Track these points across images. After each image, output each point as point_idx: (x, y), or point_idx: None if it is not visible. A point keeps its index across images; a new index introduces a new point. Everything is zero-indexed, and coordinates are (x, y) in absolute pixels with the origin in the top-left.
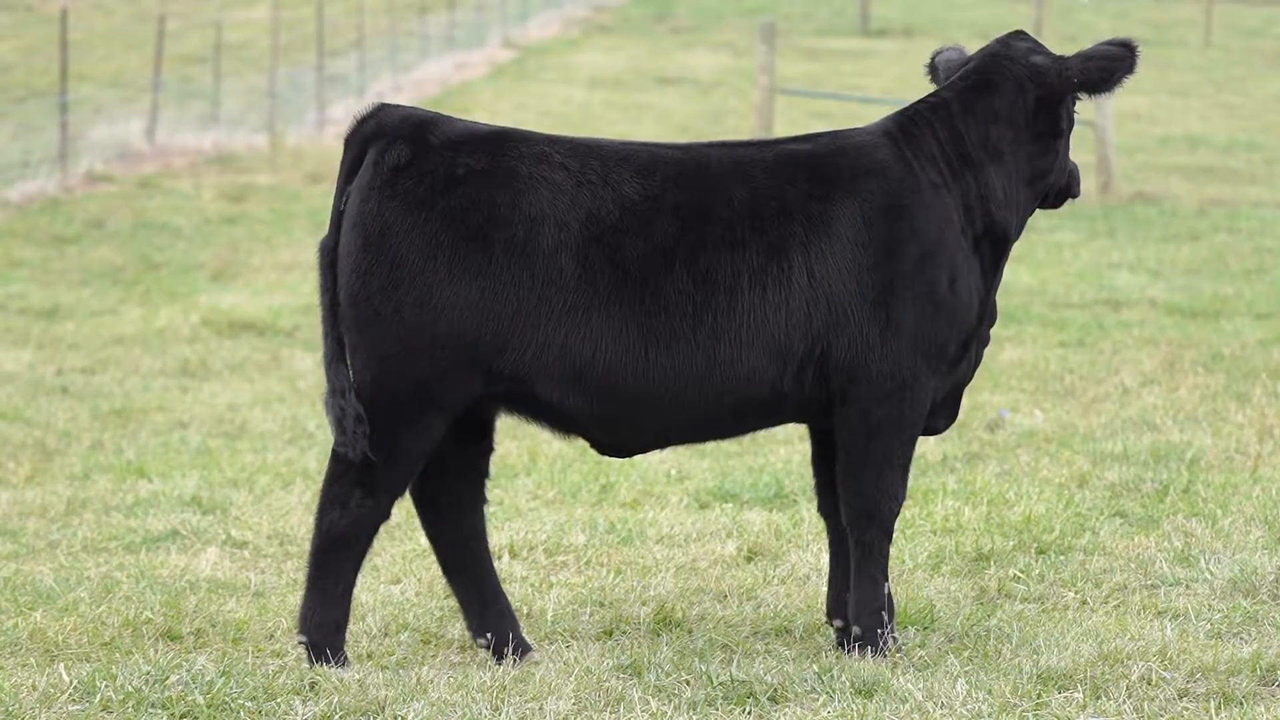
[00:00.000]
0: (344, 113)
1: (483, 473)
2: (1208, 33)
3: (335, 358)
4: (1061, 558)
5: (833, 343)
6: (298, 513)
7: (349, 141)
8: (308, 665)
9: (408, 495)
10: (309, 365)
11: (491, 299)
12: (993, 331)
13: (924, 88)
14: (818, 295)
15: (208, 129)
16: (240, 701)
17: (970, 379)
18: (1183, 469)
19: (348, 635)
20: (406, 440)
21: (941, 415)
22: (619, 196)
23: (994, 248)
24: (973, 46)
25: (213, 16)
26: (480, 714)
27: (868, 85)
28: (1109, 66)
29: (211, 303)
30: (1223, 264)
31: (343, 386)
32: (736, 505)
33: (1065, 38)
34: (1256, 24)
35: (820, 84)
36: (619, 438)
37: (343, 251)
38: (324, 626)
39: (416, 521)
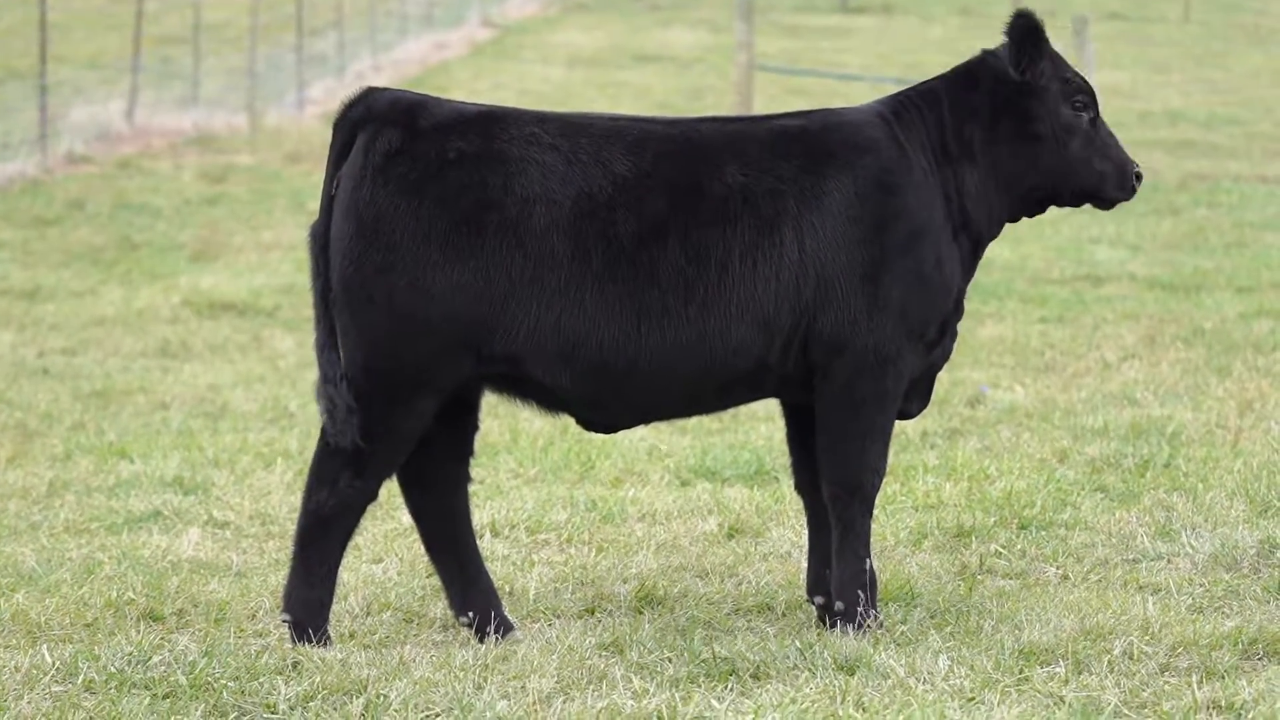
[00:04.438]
0: (323, 93)
1: (467, 451)
2: (1187, 8)
3: (326, 344)
4: (1043, 533)
5: (819, 316)
6: (279, 493)
7: (338, 126)
8: (291, 644)
9: None
10: (290, 345)
11: (484, 281)
12: (973, 306)
13: (903, 65)
14: (808, 269)
15: (187, 110)
16: (223, 681)
17: (942, 366)
18: (1164, 443)
19: (330, 614)
20: (397, 422)
21: (915, 400)
22: (610, 174)
23: (970, 241)
24: (952, 24)
25: None
26: (463, 692)
27: (847, 62)
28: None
29: (192, 283)
30: (1203, 238)
31: (334, 375)
32: (717, 482)
33: (1045, 13)
34: None
35: (799, 61)
36: (607, 415)
37: (335, 237)
38: (308, 605)
39: (398, 500)
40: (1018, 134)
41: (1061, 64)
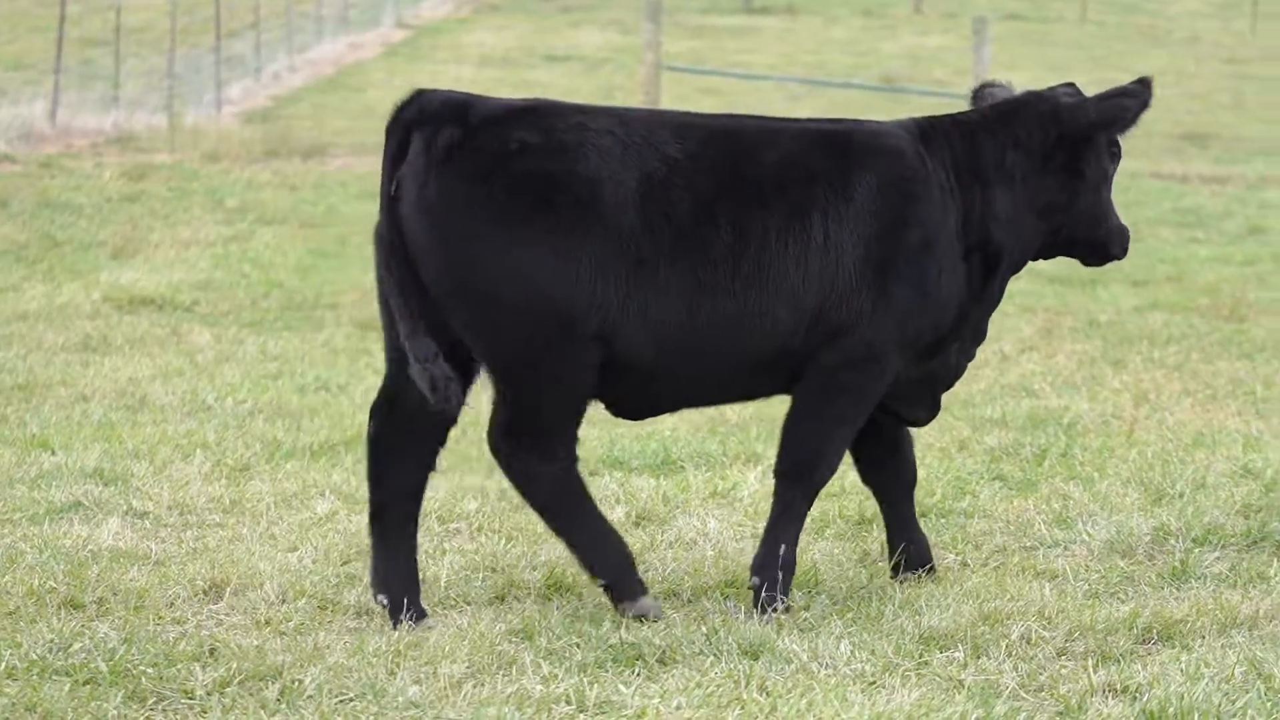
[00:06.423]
0: (241, 93)
1: (441, 441)
2: (1084, 9)
3: (413, 332)
4: (942, 520)
5: (834, 300)
6: (197, 483)
7: (391, 129)
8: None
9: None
10: (207, 339)
11: (571, 259)
12: None
13: (807, 64)
14: (830, 254)
15: (108, 110)
16: (142, 668)
17: (951, 384)
18: (1060, 433)
19: (270, 602)
20: (567, 375)
21: (922, 410)
22: (663, 156)
23: (984, 263)
24: (854, 25)
25: (113, 0)
26: (376, 678)
27: (752, 62)
28: (1123, 104)
29: (112, 279)
30: None
31: (428, 354)
32: (625, 472)
33: (945, 14)
34: None
35: (705, 61)
36: (648, 396)
37: (411, 236)
38: (617, 561)
39: (312, 490)
40: (1067, 168)
41: None
